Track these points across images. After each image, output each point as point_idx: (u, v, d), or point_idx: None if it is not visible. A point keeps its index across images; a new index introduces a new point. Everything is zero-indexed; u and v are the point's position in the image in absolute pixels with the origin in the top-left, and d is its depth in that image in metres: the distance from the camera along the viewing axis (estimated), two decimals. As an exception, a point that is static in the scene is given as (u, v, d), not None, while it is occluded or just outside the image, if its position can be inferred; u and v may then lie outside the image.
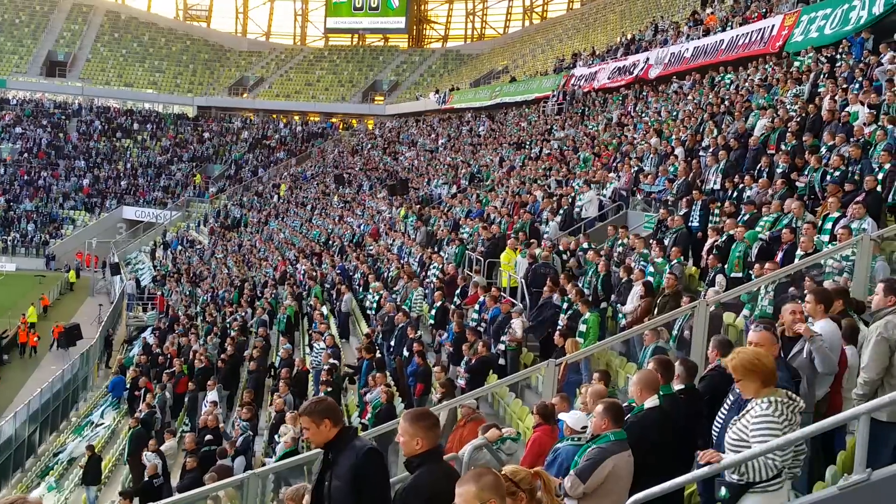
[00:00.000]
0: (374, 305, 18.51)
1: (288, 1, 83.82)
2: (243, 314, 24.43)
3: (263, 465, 12.31)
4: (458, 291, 15.75)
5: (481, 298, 14.51)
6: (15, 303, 40.48)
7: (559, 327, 11.77)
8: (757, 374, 4.65)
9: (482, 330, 13.58)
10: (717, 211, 13.83)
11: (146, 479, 14.21)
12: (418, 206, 27.59)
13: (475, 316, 14.38)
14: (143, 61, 74.84)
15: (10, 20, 75.05)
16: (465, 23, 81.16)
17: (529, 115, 39.80)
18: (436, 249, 20.18)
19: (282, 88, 73.29)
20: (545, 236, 17.35)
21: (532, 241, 16.50)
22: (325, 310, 20.80)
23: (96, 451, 18.64)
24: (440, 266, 17.92)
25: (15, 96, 69.20)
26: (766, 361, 4.72)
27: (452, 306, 14.95)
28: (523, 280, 14.71)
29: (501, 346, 12.77)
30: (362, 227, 30.10)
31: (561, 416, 6.40)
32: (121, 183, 61.93)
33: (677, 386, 6.32)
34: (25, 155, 63.52)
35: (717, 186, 15.30)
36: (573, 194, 19.10)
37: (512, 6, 78.81)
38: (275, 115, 70.98)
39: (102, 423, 22.74)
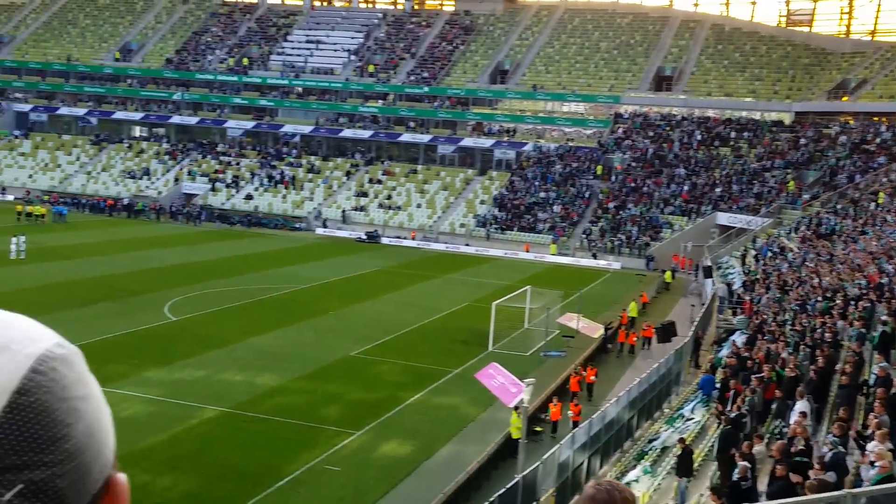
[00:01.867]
0: None
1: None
2: (833, 326, 23.87)
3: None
4: None
5: None
6: (619, 297, 45.27)
7: None
8: None
9: None
10: None
11: (734, 479, 14.99)
12: None
13: None
14: (743, 70, 76.49)
15: (626, 41, 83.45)
16: None
17: None
18: None
19: (885, 89, 68.17)
20: None
21: None
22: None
23: (687, 443, 19.53)
24: None
25: (627, 110, 76.73)
26: None
27: None
28: None
29: None
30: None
31: None
32: (716, 189, 64.37)
33: None
34: (633, 164, 70.07)
35: None
36: None
37: None
38: (876, 118, 66.35)
39: (692, 418, 23.64)
